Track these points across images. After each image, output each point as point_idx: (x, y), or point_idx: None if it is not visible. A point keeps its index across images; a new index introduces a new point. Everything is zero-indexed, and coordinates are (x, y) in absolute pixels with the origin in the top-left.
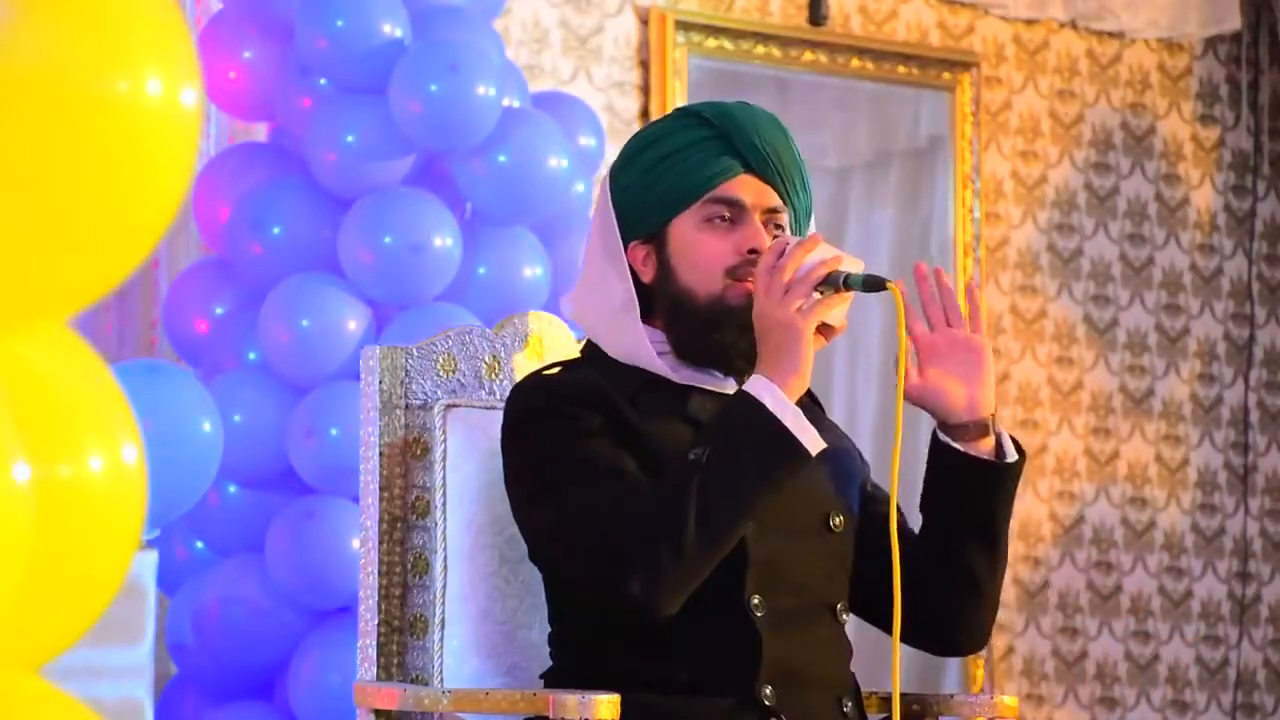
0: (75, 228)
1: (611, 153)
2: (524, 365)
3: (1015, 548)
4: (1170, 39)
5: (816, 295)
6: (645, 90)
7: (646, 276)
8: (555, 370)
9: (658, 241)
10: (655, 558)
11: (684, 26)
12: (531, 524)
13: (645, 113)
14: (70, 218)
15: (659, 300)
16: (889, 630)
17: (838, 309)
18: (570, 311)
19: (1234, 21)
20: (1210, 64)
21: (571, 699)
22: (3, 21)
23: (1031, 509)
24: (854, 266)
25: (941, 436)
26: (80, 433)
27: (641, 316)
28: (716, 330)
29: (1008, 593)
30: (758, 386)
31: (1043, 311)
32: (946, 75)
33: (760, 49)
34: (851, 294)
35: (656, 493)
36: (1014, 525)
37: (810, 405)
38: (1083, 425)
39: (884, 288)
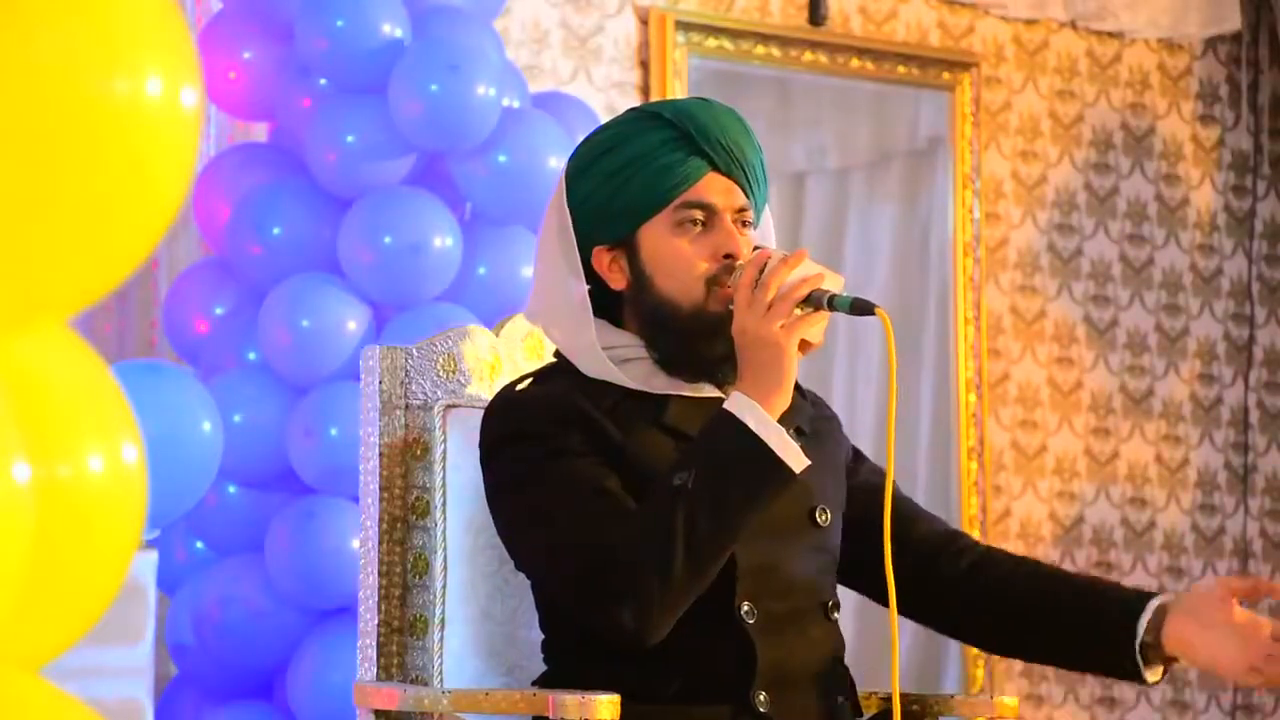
0: (75, 228)
1: None
2: (522, 365)
3: (1015, 547)
4: (1170, 39)
5: (797, 312)
6: (645, 90)
7: (617, 284)
8: (529, 384)
9: (627, 248)
10: (645, 588)
11: (684, 26)
12: (517, 546)
13: None
14: (70, 218)
15: (634, 308)
16: (898, 605)
17: (817, 326)
18: (541, 325)
19: (1234, 21)
20: (1210, 64)
21: (572, 699)
22: (2, 21)
23: (1031, 509)
24: (835, 284)
25: (1139, 651)
26: (80, 433)
27: (612, 319)
28: (703, 343)
29: None
30: (740, 405)
31: (1043, 311)
32: (946, 75)
33: (760, 49)
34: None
35: (642, 521)
36: (1014, 525)
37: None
38: (1083, 425)
39: (872, 312)
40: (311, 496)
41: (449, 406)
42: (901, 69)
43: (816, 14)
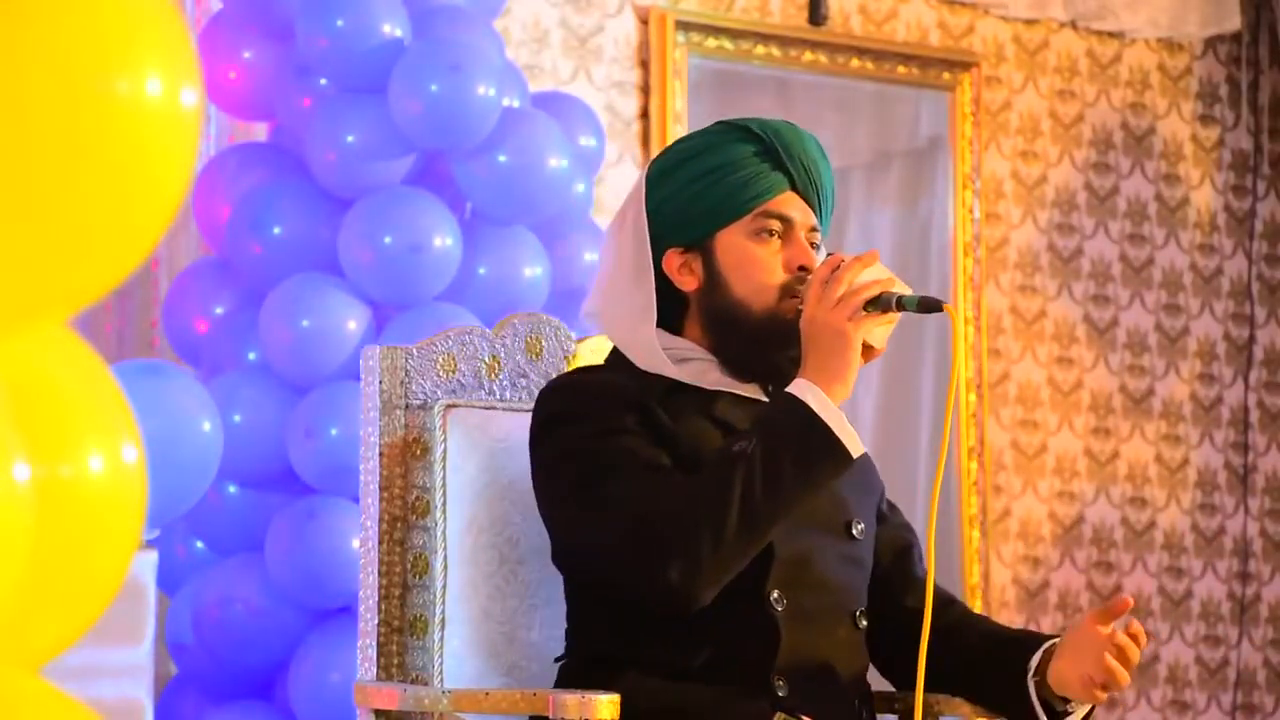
0: (75, 228)
1: (612, 153)
2: (522, 365)
3: (1015, 547)
4: (1170, 39)
5: (864, 312)
6: (645, 90)
7: (688, 285)
8: (584, 373)
9: (703, 251)
10: (697, 545)
11: (684, 26)
12: (565, 520)
13: (645, 113)
14: (70, 218)
15: (702, 309)
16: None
17: (881, 329)
18: (600, 323)
19: (1234, 21)
20: (1210, 64)
21: (572, 699)
22: (2, 21)
23: (1031, 509)
24: (903, 291)
25: (1032, 689)
26: (80, 433)
27: (670, 326)
28: (772, 348)
29: (1008, 593)
30: (801, 388)
31: (1043, 311)
32: (946, 75)
33: (760, 49)
34: (898, 317)
35: (699, 481)
36: (1014, 525)
37: None
38: (1083, 425)
39: (940, 309)
40: (311, 496)
41: (449, 406)
42: (901, 69)
43: (816, 14)
